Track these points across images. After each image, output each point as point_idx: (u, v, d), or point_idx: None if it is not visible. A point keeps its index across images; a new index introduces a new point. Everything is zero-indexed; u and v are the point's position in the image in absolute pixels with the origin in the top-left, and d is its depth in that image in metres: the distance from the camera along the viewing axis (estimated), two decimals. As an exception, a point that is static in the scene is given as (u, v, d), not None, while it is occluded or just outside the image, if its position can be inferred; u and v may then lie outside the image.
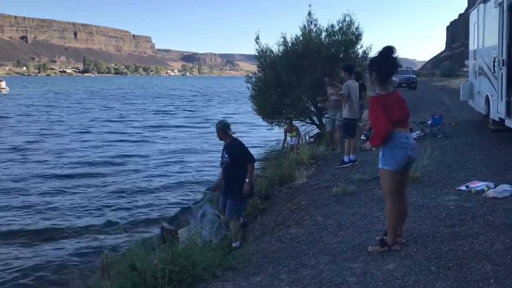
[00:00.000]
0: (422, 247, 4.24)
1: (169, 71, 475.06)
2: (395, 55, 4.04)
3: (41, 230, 8.79)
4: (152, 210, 10.23)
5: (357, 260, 4.08)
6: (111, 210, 10.20)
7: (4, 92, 68.24)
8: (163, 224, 8.14)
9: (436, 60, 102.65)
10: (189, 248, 4.45)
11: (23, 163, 15.97)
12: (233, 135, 6.27)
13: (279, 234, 5.53)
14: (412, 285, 3.48)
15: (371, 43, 18.28)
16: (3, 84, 72.46)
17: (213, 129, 6.45)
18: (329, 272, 3.89)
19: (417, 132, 11.51)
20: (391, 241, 4.18)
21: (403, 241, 4.32)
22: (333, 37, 16.49)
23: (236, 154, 6.17)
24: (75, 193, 11.71)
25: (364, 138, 5.00)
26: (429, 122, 11.69)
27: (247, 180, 6.10)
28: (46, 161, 16.27)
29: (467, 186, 6.15)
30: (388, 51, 4.04)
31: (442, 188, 6.38)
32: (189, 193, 11.63)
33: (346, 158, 8.88)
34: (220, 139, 6.32)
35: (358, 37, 16.62)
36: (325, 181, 7.81)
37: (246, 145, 6.37)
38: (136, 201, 10.95)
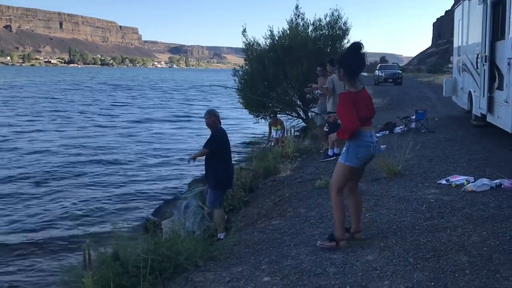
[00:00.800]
0: (401, 239, 4.31)
1: (156, 63, 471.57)
2: (363, 51, 4.08)
3: (19, 220, 8.68)
4: (136, 202, 10.20)
5: (337, 251, 4.14)
6: (95, 200, 10.13)
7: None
8: (148, 216, 8.15)
9: (423, 56, 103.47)
10: (172, 239, 4.47)
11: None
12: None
13: (261, 226, 5.58)
14: (390, 276, 3.55)
15: (359, 39, 18.33)
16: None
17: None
18: (310, 263, 3.95)
19: (400, 126, 11.65)
20: (340, 236, 4.20)
21: (363, 236, 4.38)
22: (320, 31, 16.54)
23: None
24: (58, 180, 11.61)
25: (327, 129, 5.09)
26: (413, 117, 11.82)
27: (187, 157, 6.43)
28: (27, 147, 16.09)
29: (447, 180, 6.26)
30: (357, 47, 4.09)
31: (423, 181, 6.48)
32: (174, 186, 11.61)
33: (330, 152, 8.95)
34: (209, 127, 6.48)
35: (345, 32, 16.68)
36: (309, 174, 7.88)
37: (231, 138, 6.46)
38: (120, 193, 10.88)
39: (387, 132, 11.36)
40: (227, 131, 6.64)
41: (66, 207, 9.62)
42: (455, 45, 13.87)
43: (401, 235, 4.41)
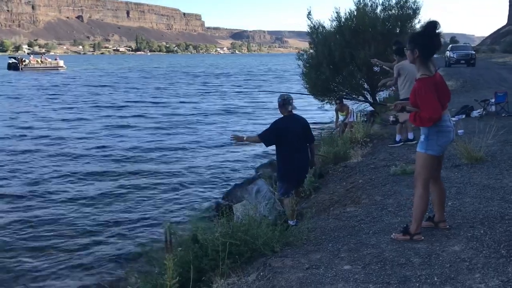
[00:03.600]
0: (489, 229, 4.06)
1: (218, 49, 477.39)
2: (439, 31, 3.80)
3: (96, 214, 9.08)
4: (206, 187, 10.39)
5: (420, 240, 3.96)
6: (166, 185, 10.45)
7: (61, 71, 71.04)
8: (219, 200, 8.26)
9: (497, 35, 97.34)
10: (247, 223, 4.47)
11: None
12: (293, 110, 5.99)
13: (336, 213, 5.46)
14: (481, 268, 3.34)
15: (429, 18, 17.38)
16: (61, 62, 75.44)
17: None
18: (391, 252, 3.81)
19: (479, 110, 11.02)
20: (415, 230, 3.98)
21: (447, 226, 4.16)
22: (389, 11, 15.88)
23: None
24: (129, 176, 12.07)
25: (394, 119, 4.84)
26: (492, 100, 11.13)
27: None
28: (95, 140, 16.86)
29: (536, 167, 5.83)
30: (433, 26, 3.80)
31: (508, 168, 6.08)
32: (241, 170, 11.72)
33: (397, 138, 8.65)
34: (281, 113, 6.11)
35: (415, 11, 15.90)
36: (382, 160, 7.63)
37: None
38: (189, 180, 11.13)
39: (464, 116, 10.78)
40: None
41: (141, 193, 10.01)
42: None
43: (489, 225, 4.15)
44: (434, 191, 4.16)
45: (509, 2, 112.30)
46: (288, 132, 5.90)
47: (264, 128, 6.15)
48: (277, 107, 6.05)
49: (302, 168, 6.10)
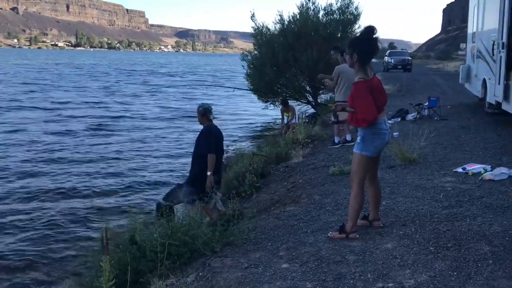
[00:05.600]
0: (420, 227, 4.26)
1: (162, 47, 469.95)
2: (376, 36, 3.96)
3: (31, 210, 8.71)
4: (147, 187, 10.21)
5: (355, 238, 4.09)
6: (105, 187, 10.16)
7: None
8: (159, 200, 8.14)
9: (432, 43, 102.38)
10: (188, 223, 4.44)
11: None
12: (213, 120, 6.27)
13: (276, 212, 5.53)
14: (411, 264, 3.50)
15: (369, 23, 18.01)
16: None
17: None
18: (328, 250, 3.91)
19: (413, 114, 11.54)
20: (350, 228, 4.11)
21: (381, 224, 4.34)
22: (331, 16, 16.35)
23: (197, 139, 6.29)
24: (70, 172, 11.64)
25: (335, 120, 5.01)
26: (426, 104, 11.69)
27: (208, 173, 6.01)
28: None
29: (463, 168, 6.18)
30: (371, 31, 3.95)
31: (439, 169, 6.41)
32: (183, 171, 11.59)
33: (336, 139, 8.87)
34: (200, 123, 6.37)
35: (356, 16, 16.48)
36: (321, 161, 7.82)
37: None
38: (130, 177, 10.90)
39: (399, 119, 11.26)
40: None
41: (82, 192, 9.67)
42: (469, 31, 13.64)
43: (420, 223, 4.36)
44: (370, 191, 4.32)
45: (442, 12, 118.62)
46: (218, 141, 6.27)
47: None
48: (203, 114, 6.25)
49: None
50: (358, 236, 4.11)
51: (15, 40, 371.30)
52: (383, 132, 4.04)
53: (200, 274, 3.73)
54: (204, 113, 6.26)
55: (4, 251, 6.79)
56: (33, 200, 9.15)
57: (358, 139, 4.10)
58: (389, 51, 42.26)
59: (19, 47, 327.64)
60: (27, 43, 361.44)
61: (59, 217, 8.18)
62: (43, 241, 7.13)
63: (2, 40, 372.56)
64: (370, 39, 3.96)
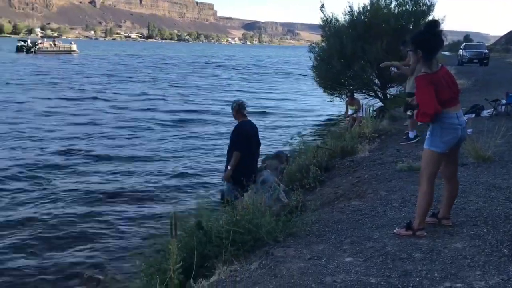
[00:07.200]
0: (493, 228, 4.06)
1: (229, 39, 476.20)
2: (440, 29, 3.81)
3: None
4: (212, 175, 10.46)
5: (423, 236, 3.98)
6: (171, 176, 10.54)
7: (75, 55, 71.42)
8: (223, 189, 8.29)
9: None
10: (252, 212, 4.51)
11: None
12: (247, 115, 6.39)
13: (340, 206, 5.48)
14: (482, 266, 3.36)
15: (443, 15, 17.15)
16: (74, 47, 75.78)
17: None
18: (394, 247, 3.83)
19: (489, 110, 10.94)
20: (417, 225, 3.98)
21: (451, 223, 4.17)
22: (403, 7, 15.78)
23: (231, 135, 6.45)
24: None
25: (410, 113, 4.84)
26: (503, 100, 11.04)
27: (228, 167, 6.18)
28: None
29: (544, 169, 5.80)
30: (434, 25, 3.82)
31: (515, 169, 6.05)
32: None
33: (410, 134, 8.60)
34: (235, 119, 6.49)
35: (430, 7, 15.78)
36: (389, 156, 7.63)
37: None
38: (195, 167, 11.21)
39: (473, 115, 10.70)
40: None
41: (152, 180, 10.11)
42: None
43: (493, 224, 4.16)
44: (446, 189, 4.16)
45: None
46: (251, 136, 6.35)
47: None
48: (238, 110, 6.40)
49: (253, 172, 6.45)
50: (425, 234, 3.99)
51: (92, 32, 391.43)
52: (454, 127, 3.86)
53: (263, 262, 3.79)
54: (239, 109, 6.42)
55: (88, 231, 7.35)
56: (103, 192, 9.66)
57: (427, 134, 3.97)
58: (464, 44, 40.23)
59: (96, 38, 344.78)
60: (103, 35, 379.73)
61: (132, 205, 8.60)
62: (113, 234, 7.54)
63: (81, 32, 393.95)
64: (434, 34, 3.82)
